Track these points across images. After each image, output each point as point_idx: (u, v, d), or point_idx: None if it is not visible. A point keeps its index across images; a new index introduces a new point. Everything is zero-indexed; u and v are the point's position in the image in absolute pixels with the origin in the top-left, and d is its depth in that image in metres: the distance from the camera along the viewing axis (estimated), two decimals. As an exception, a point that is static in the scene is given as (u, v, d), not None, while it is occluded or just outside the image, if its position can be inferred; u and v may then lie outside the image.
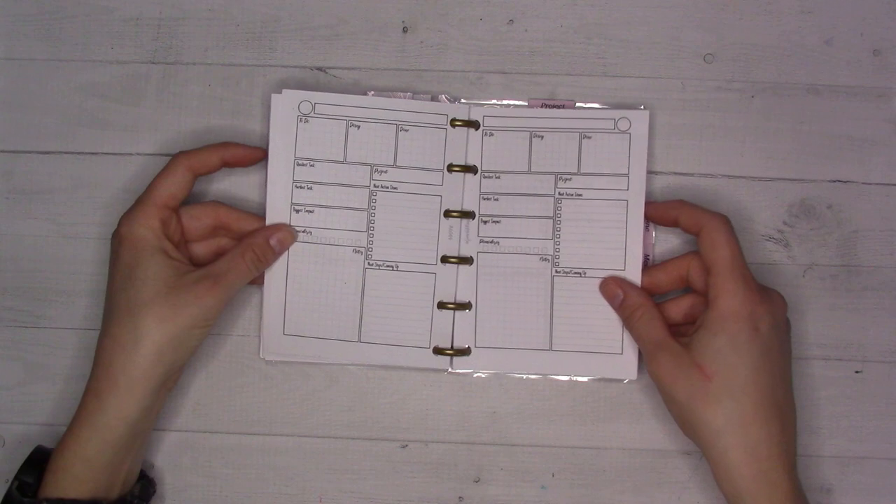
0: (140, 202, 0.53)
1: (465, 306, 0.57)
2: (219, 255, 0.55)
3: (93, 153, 0.58)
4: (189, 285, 0.51)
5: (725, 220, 0.53)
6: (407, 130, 0.57)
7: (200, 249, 0.56)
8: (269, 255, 0.55)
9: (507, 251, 0.57)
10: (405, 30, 0.59)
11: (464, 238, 0.57)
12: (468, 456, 0.58)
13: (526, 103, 0.58)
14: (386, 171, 0.57)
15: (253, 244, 0.54)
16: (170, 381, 0.53)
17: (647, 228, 0.57)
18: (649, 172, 0.58)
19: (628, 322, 0.55)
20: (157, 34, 0.59)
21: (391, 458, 0.58)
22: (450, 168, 0.57)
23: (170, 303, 0.51)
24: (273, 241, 0.55)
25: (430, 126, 0.57)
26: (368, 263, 0.57)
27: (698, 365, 0.50)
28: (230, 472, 0.58)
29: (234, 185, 0.58)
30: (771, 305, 0.51)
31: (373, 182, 0.56)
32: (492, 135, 0.57)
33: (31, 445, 0.55)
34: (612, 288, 0.55)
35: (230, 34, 0.59)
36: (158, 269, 0.51)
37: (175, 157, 0.54)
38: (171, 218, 0.53)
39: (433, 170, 0.57)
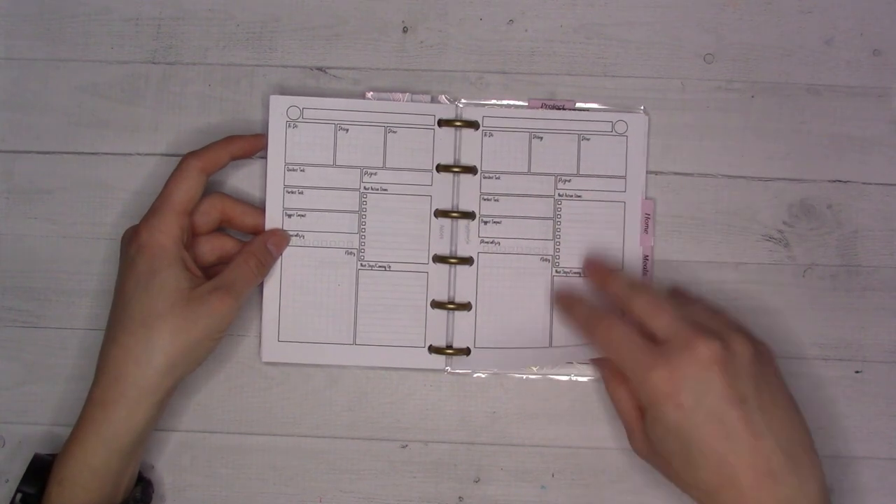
0: (159, 210, 0.52)
1: (464, 307, 0.57)
2: (222, 257, 0.56)
3: (93, 153, 0.58)
4: (203, 297, 0.51)
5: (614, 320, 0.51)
6: (395, 132, 0.57)
7: (205, 248, 0.55)
8: (269, 259, 0.56)
9: (507, 251, 0.57)
10: (405, 30, 0.59)
11: (463, 238, 0.57)
12: (468, 456, 0.58)
13: (526, 103, 0.58)
14: (376, 174, 0.57)
15: (254, 250, 0.55)
16: (174, 389, 0.53)
17: (646, 230, 0.57)
18: (649, 172, 0.58)
19: (608, 394, 0.55)
20: (157, 34, 0.59)
21: (391, 458, 0.58)
22: (448, 168, 0.57)
23: (185, 315, 0.50)
24: (270, 245, 0.56)
25: (417, 127, 0.57)
26: (361, 265, 0.57)
27: (655, 452, 0.51)
28: (230, 472, 0.58)
29: (237, 180, 0.58)
30: (686, 371, 0.48)
31: (363, 185, 0.57)
32: (491, 135, 0.57)
33: (31, 446, 0.56)
34: (597, 362, 0.56)
35: (230, 34, 0.59)
36: (175, 280, 0.51)
37: (185, 160, 0.53)
38: (188, 223, 0.53)
39: (422, 170, 0.57)
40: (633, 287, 0.53)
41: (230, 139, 0.55)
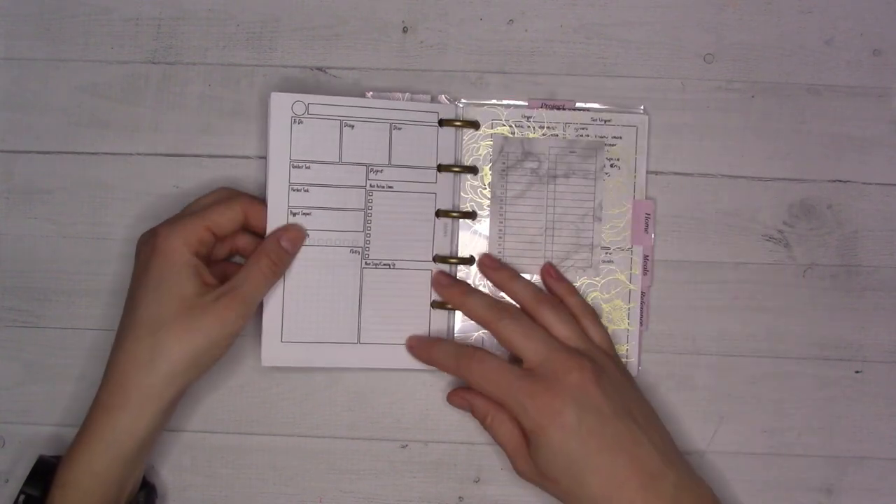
0: (186, 218, 0.52)
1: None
2: (233, 250, 0.55)
3: (93, 153, 0.58)
4: (209, 304, 0.50)
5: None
6: (400, 129, 0.56)
7: (219, 248, 0.55)
8: (284, 258, 0.54)
9: (319, 244, 0.56)
10: (405, 30, 0.59)
11: (465, 237, 0.57)
12: (468, 456, 0.58)
13: (526, 103, 0.58)
14: (381, 171, 0.56)
15: (267, 251, 0.53)
16: (180, 397, 0.53)
17: (646, 230, 0.57)
18: (649, 172, 0.58)
19: (485, 428, 0.54)
20: (157, 34, 0.59)
21: (391, 458, 0.58)
22: (448, 168, 0.57)
23: (188, 323, 0.50)
24: (284, 243, 0.54)
25: (421, 124, 0.56)
26: (366, 263, 0.56)
27: (542, 474, 0.51)
28: (230, 472, 0.58)
29: (235, 181, 0.58)
30: (565, 392, 0.51)
31: (369, 182, 0.56)
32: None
33: (31, 446, 0.55)
34: (459, 401, 0.56)
35: (230, 34, 0.59)
36: (183, 287, 0.50)
37: (237, 195, 0.54)
38: (209, 238, 0.52)
39: (426, 168, 0.57)
40: (493, 314, 0.53)
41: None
